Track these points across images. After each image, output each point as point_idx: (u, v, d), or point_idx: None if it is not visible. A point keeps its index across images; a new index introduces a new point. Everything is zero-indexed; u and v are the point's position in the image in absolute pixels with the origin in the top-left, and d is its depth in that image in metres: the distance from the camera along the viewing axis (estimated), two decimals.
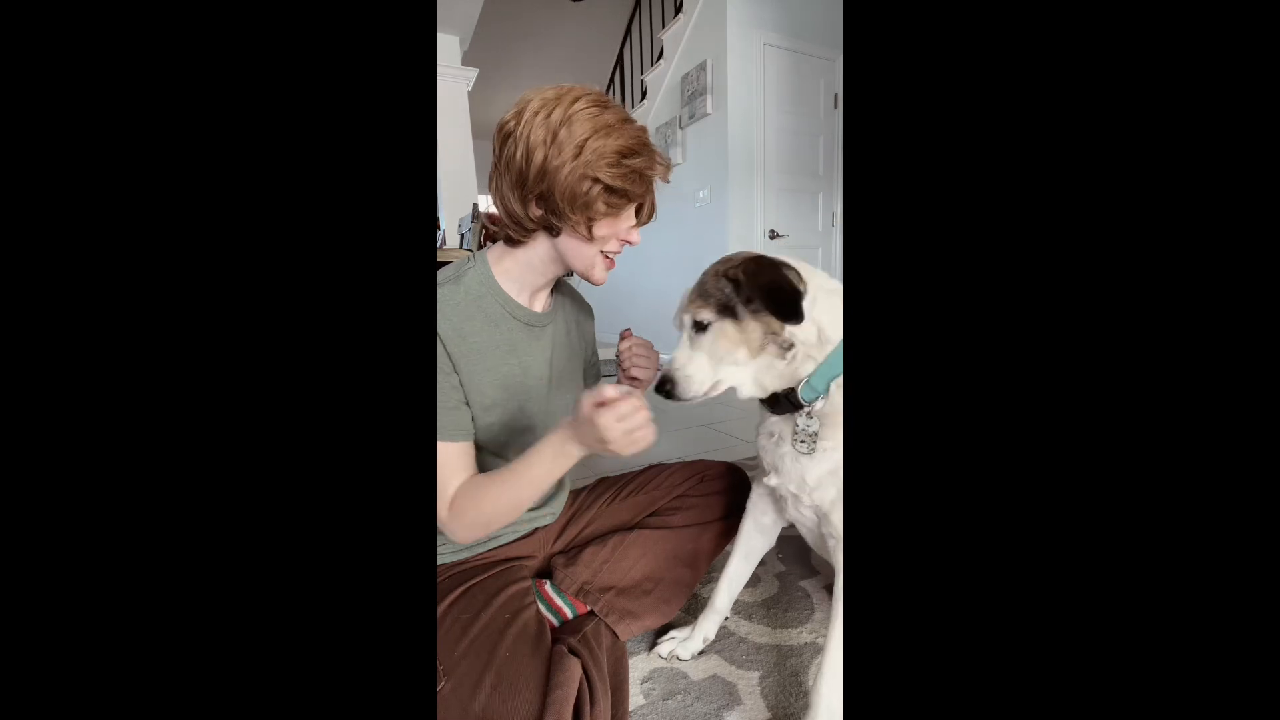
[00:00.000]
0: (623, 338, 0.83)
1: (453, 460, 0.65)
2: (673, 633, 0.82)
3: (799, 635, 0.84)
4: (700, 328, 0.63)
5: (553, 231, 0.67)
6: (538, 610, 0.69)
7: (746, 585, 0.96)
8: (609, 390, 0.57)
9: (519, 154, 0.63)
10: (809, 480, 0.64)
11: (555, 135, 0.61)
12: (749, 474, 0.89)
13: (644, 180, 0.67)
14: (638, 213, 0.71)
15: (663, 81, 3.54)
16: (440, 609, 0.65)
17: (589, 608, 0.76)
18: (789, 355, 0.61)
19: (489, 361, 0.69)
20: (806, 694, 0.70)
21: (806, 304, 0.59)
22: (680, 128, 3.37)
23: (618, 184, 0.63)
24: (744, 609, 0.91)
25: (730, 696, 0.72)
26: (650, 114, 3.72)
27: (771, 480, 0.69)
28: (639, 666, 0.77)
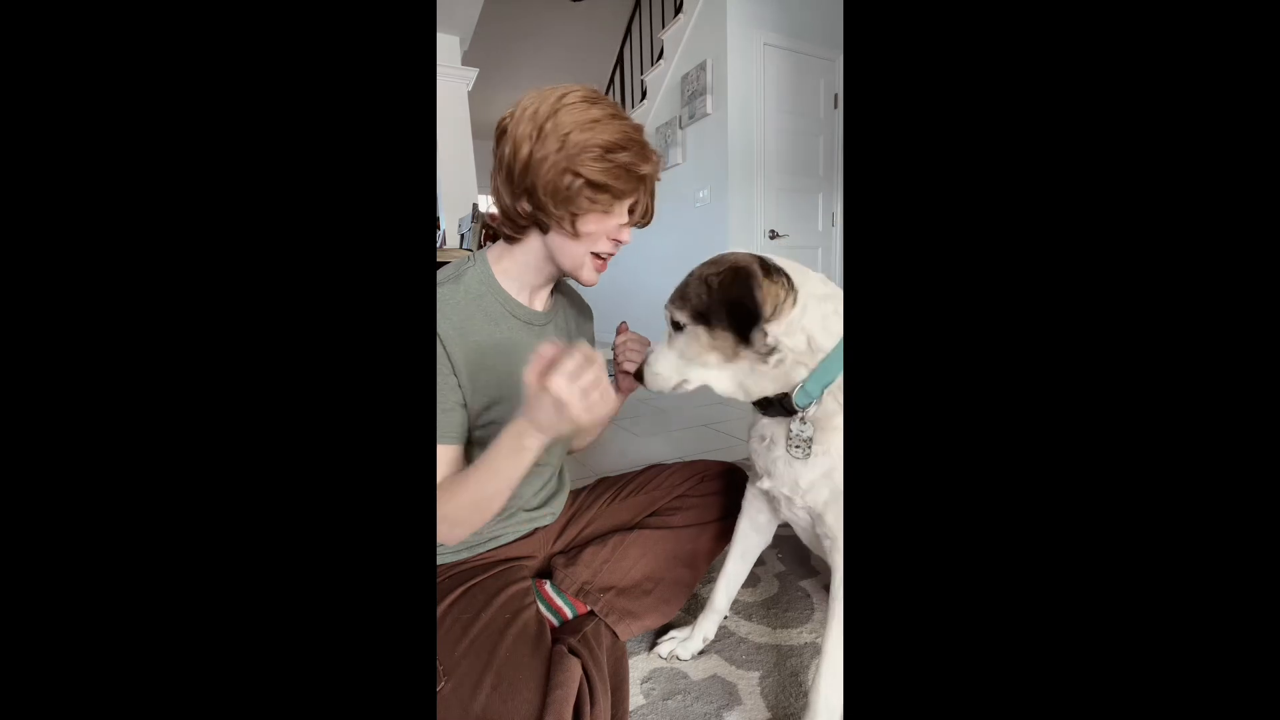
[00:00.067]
0: (619, 331, 0.83)
1: (439, 463, 0.64)
2: (672, 633, 0.82)
3: (799, 635, 0.84)
4: (678, 327, 0.63)
5: (543, 228, 0.66)
6: (538, 610, 0.69)
7: (746, 585, 0.96)
8: (546, 348, 0.53)
9: (508, 149, 0.63)
10: (802, 484, 0.64)
11: (541, 128, 0.61)
12: (748, 474, 0.89)
13: (631, 176, 0.65)
14: (631, 212, 0.70)
15: (663, 81, 3.54)
16: (440, 609, 0.65)
17: (589, 608, 0.76)
18: (772, 361, 0.60)
19: (489, 361, 0.69)
20: (806, 694, 0.70)
21: (796, 313, 0.58)
22: (680, 128, 3.37)
23: (600, 179, 0.62)
24: (744, 609, 0.91)
25: (730, 696, 0.72)
26: (650, 114, 3.72)
27: (764, 483, 0.69)
28: (639, 666, 0.77)
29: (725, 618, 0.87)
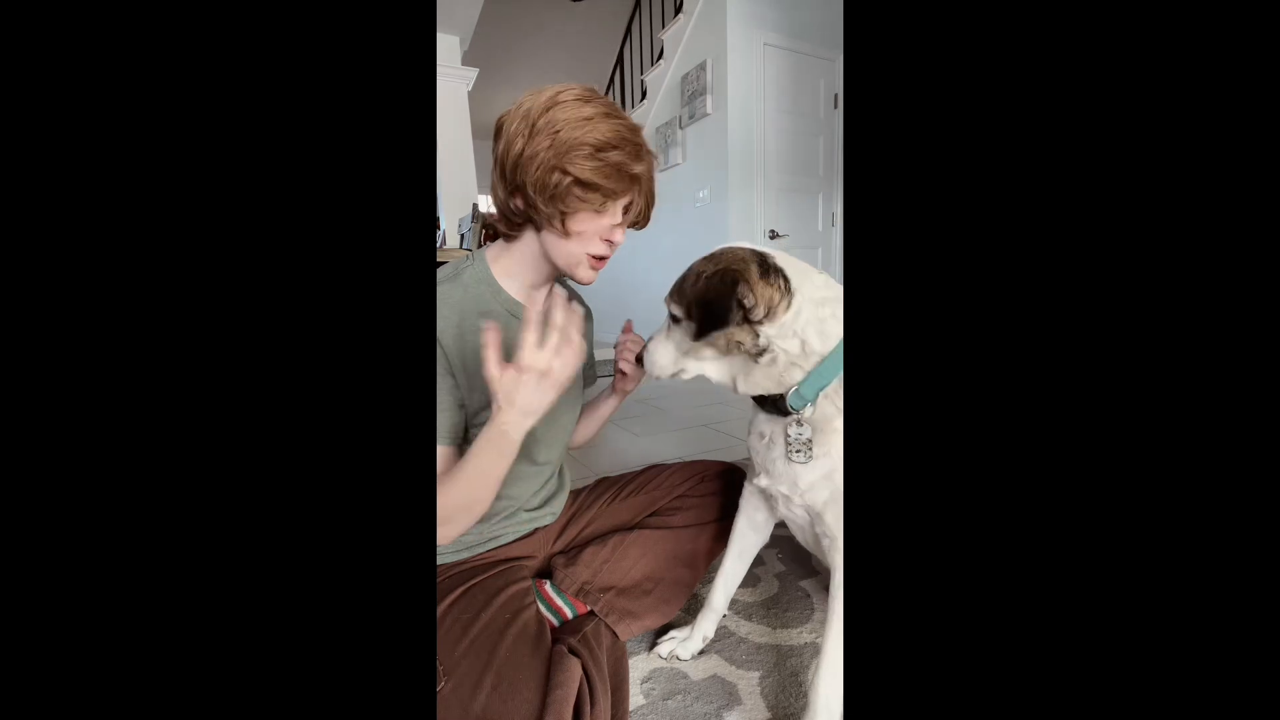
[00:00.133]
0: (624, 330, 0.83)
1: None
2: (672, 633, 0.82)
3: (799, 635, 0.84)
4: (675, 319, 0.64)
5: (538, 226, 0.66)
6: (538, 610, 0.69)
7: (746, 585, 0.96)
8: (489, 335, 0.53)
9: (502, 146, 0.63)
10: (801, 484, 0.64)
11: (534, 126, 0.60)
12: (747, 474, 0.89)
13: (623, 176, 0.64)
14: (626, 212, 0.69)
15: (663, 81, 3.54)
16: (440, 609, 0.65)
17: (589, 608, 0.76)
18: (764, 361, 0.60)
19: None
20: (806, 694, 0.70)
21: (790, 315, 0.58)
22: (680, 128, 3.37)
23: (591, 178, 0.61)
24: (744, 609, 0.91)
25: (730, 696, 0.72)
26: (650, 114, 3.72)
27: (762, 481, 0.69)
28: (639, 666, 0.77)
29: (725, 617, 0.87)
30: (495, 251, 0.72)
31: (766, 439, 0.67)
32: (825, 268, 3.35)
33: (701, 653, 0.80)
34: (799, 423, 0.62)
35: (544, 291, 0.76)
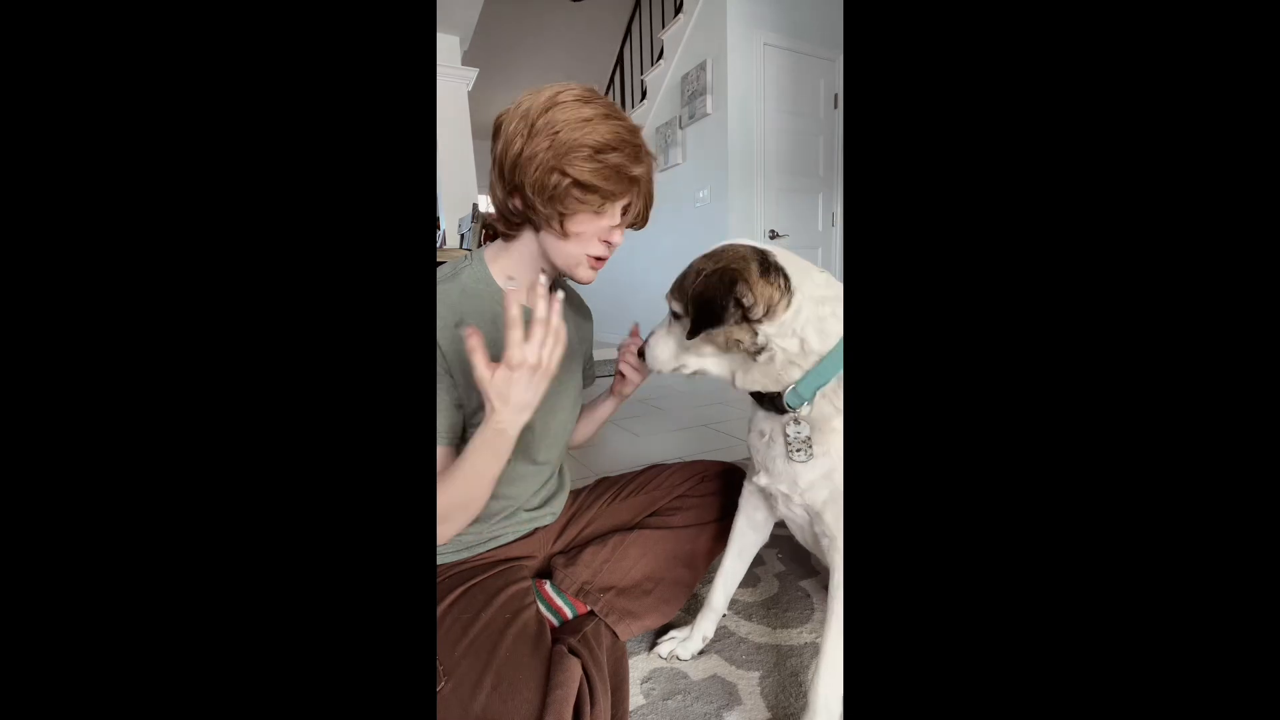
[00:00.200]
0: (632, 334, 0.83)
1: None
2: (672, 633, 0.82)
3: (799, 635, 0.84)
4: (676, 315, 0.64)
5: (536, 227, 0.66)
6: (538, 610, 0.69)
7: (746, 585, 0.96)
8: (471, 340, 0.53)
9: (501, 145, 0.62)
10: (801, 483, 0.64)
11: (532, 126, 0.60)
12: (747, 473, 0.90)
13: (622, 178, 0.64)
14: (624, 213, 0.69)
15: (663, 81, 3.54)
16: (440, 609, 0.65)
17: (589, 608, 0.76)
18: (762, 359, 0.60)
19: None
20: (806, 694, 0.70)
21: (789, 314, 0.58)
22: (680, 128, 3.37)
23: (590, 179, 0.61)
24: (744, 609, 0.91)
25: (730, 696, 0.72)
26: (650, 114, 3.72)
27: (761, 480, 0.69)
28: (639, 666, 0.77)
29: (725, 617, 0.87)
30: (493, 251, 0.72)
31: (766, 437, 0.67)
32: (825, 268, 3.33)
33: (701, 653, 0.80)
34: (796, 421, 0.62)
35: (536, 287, 0.76)
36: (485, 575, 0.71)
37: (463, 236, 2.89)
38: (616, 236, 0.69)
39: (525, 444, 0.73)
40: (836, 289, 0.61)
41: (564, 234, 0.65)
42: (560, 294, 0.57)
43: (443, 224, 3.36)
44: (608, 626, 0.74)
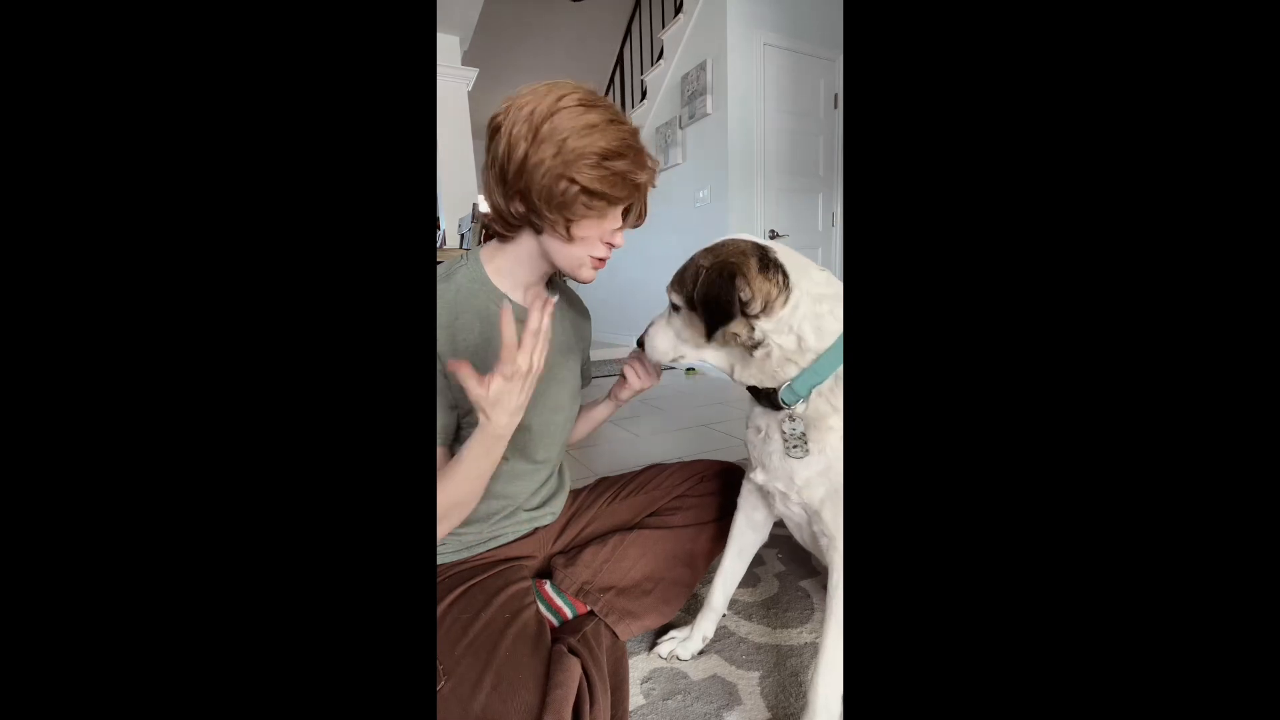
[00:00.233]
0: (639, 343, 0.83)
1: None
2: (672, 633, 0.82)
3: (799, 635, 0.84)
4: (676, 307, 0.65)
5: (536, 229, 0.66)
6: (537, 610, 0.69)
7: (746, 585, 0.96)
8: (460, 369, 0.52)
9: (502, 148, 0.62)
10: (797, 480, 0.64)
11: (537, 131, 0.60)
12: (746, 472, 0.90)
13: (628, 183, 0.64)
14: (625, 215, 0.69)
15: (663, 81, 3.54)
16: (440, 609, 0.65)
17: (589, 608, 0.76)
18: (758, 355, 0.61)
19: (482, 359, 0.68)
20: (806, 694, 0.70)
21: (786, 311, 0.58)
22: (680, 128, 3.37)
23: (596, 186, 0.62)
24: (744, 609, 0.91)
25: (730, 696, 0.72)
26: (650, 114, 3.72)
27: (759, 477, 0.70)
28: (639, 666, 0.77)
29: (725, 617, 0.87)
30: (489, 251, 0.72)
31: (762, 433, 0.67)
32: (825, 267, 3.34)
33: (701, 653, 0.80)
34: (791, 418, 0.62)
35: (538, 289, 0.76)
36: (485, 575, 0.71)
37: (463, 236, 2.89)
38: (618, 238, 0.70)
39: (523, 443, 0.73)
40: (836, 287, 0.61)
41: (569, 238, 0.65)
42: (554, 298, 0.57)
43: (443, 224, 3.36)
44: (607, 626, 0.74)
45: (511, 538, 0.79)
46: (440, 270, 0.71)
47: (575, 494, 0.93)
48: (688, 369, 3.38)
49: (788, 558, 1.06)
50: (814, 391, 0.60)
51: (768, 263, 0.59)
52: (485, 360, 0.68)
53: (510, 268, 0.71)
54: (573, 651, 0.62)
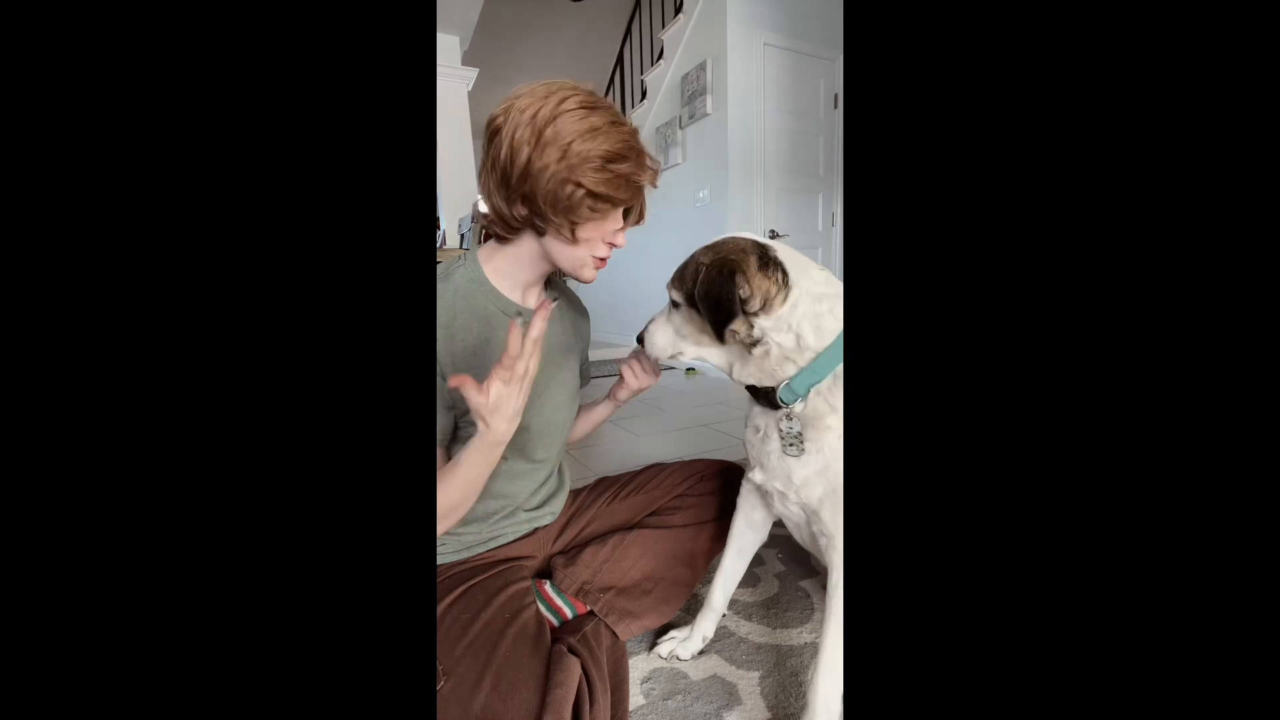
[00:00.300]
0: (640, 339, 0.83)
1: None
2: (672, 633, 0.82)
3: (799, 635, 0.84)
4: (676, 304, 0.65)
5: (539, 231, 0.66)
6: (537, 610, 0.69)
7: (746, 585, 0.96)
8: (460, 382, 0.52)
9: (504, 152, 0.62)
10: (795, 479, 0.64)
11: (540, 135, 0.60)
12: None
13: (631, 185, 0.65)
14: (625, 215, 0.70)
15: (663, 81, 3.54)
16: (440, 609, 0.65)
17: (589, 608, 0.76)
18: (757, 353, 0.61)
19: (480, 359, 0.69)
20: (806, 694, 0.70)
21: (785, 309, 0.58)
22: (680, 128, 3.37)
23: (602, 190, 0.62)
24: (744, 609, 0.91)
25: (730, 696, 0.72)
26: (650, 114, 3.72)
27: (757, 476, 0.70)
28: (639, 666, 0.77)
29: (724, 617, 0.87)
30: (487, 252, 0.72)
31: (761, 433, 0.67)
32: (825, 267, 3.33)
33: (701, 653, 0.80)
34: (788, 417, 0.62)
35: (537, 289, 0.76)
36: (485, 575, 0.71)
37: (463, 236, 2.89)
38: (620, 238, 0.70)
39: (522, 443, 0.73)
40: (835, 287, 0.61)
41: (574, 240, 0.65)
42: (554, 303, 0.57)
43: (443, 224, 3.36)
44: (607, 626, 0.74)
45: (511, 538, 0.79)
46: (439, 271, 0.71)
47: (575, 494, 0.93)
48: (688, 369, 3.38)
49: (788, 558, 1.06)
50: (812, 390, 0.60)
51: (767, 261, 0.59)
52: (484, 360, 0.68)
53: (509, 268, 0.71)
54: (573, 651, 0.63)
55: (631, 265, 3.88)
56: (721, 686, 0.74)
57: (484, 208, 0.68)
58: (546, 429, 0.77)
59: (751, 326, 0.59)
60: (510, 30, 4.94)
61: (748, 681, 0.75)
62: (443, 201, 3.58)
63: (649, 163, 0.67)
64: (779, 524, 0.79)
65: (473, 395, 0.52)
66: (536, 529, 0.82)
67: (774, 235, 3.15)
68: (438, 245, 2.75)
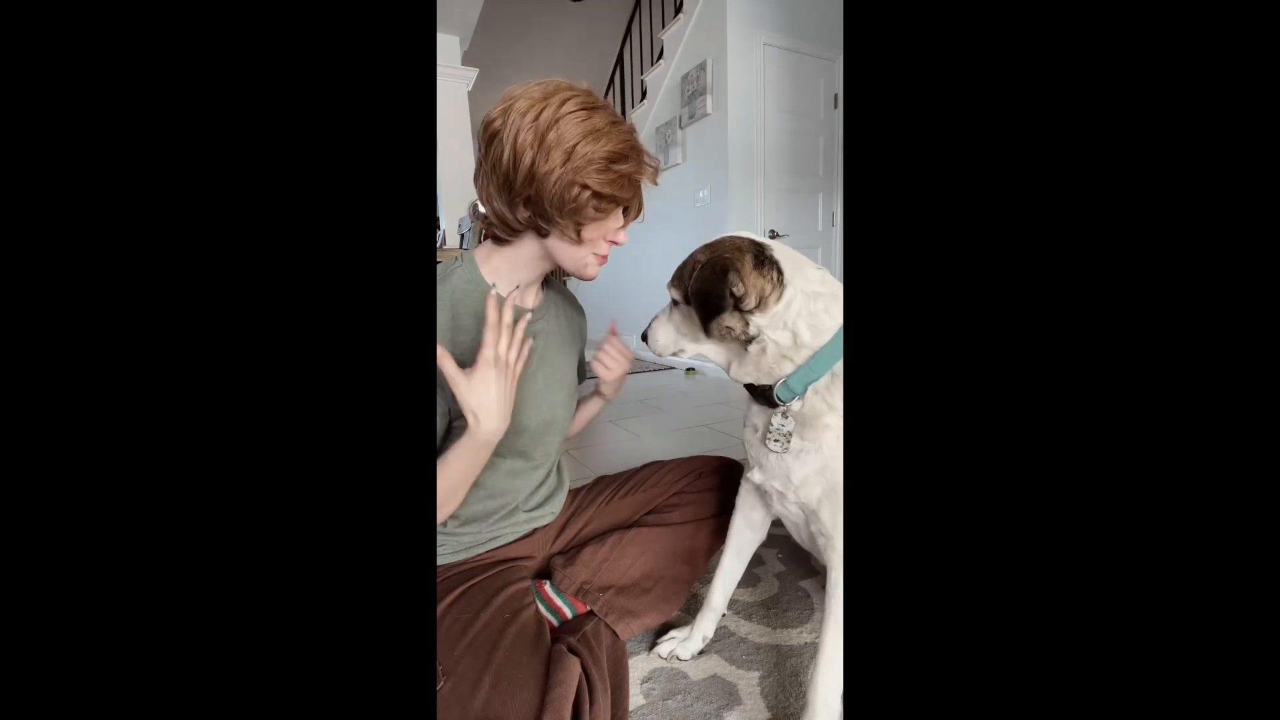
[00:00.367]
0: (610, 333, 0.84)
1: None
2: (672, 633, 0.82)
3: (799, 635, 0.84)
4: (675, 302, 0.67)
5: (541, 233, 0.67)
6: (537, 610, 0.69)
7: (746, 585, 0.96)
8: (442, 359, 0.56)
9: (506, 156, 0.62)
10: (794, 479, 0.64)
11: (543, 139, 0.60)
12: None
13: (633, 184, 0.66)
14: (625, 212, 0.70)
15: (663, 81, 3.54)
16: (440, 609, 0.65)
17: (589, 607, 0.76)
18: (753, 350, 0.61)
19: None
20: (806, 694, 0.70)
21: (780, 307, 0.59)
22: (680, 128, 3.37)
23: (607, 190, 0.63)
24: (744, 609, 0.91)
25: (730, 696, 0.72)
26: (650, 114, 3.72)
27: (756, 476, 0.70)
28: (639, 666, 0.77)
29: (724, 617, 0.87)
30: (485, 252, 0.72)
31: (760, 432, 0.67)
32: (825, 267, 3.33)
33: (701, 653, 0.80)
34: (783, 415, 0.62)
35: (534, 289, 0.76)
36: (484, 575, 0.71)
37: (463, 237, 2.89)
38: (621, 236, 0.71)
39: (521, 442, 0.74)
40: (831, 286, 0.62)
41: (579, 240, 0.66)
42: (548, 304, 0.58)
43: (443, 224, 3.36)
44: (607, 626, 0.74)
45: (510, 538, 0.79)
46: (437, 272, 0.71)
47: (574, 493, 0.93)
48: (688, 369, 3.38)
49: (787, 558, 1.06)
50: (809, 389, 0.61)
51: (763, 259, 0.60)
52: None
53: (508, 269, 0.71)
54: (572, 651, 0.63)
55: (631, 265, 3.88)
56: (721, 686, 0.74)
57: (484, 210, 0.68)
58: (545, 428, 0.77)
59: (747, 324, 0.60)
60: (510, 30, 4.94)
61: (748, 681, 0.75)
62: (442, 201, 3.58)
63: (648, 160, 0.67)
64: (778, 524, 0.79)
65: (448, 366, 0.55)
66: (535, 529, 0.82)
67: (774, 235, 3.15)
68: (438, 245, 2.74)
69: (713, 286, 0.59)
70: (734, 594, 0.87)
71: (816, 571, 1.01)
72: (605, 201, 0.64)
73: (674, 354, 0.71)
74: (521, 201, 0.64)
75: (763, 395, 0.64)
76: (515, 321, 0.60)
